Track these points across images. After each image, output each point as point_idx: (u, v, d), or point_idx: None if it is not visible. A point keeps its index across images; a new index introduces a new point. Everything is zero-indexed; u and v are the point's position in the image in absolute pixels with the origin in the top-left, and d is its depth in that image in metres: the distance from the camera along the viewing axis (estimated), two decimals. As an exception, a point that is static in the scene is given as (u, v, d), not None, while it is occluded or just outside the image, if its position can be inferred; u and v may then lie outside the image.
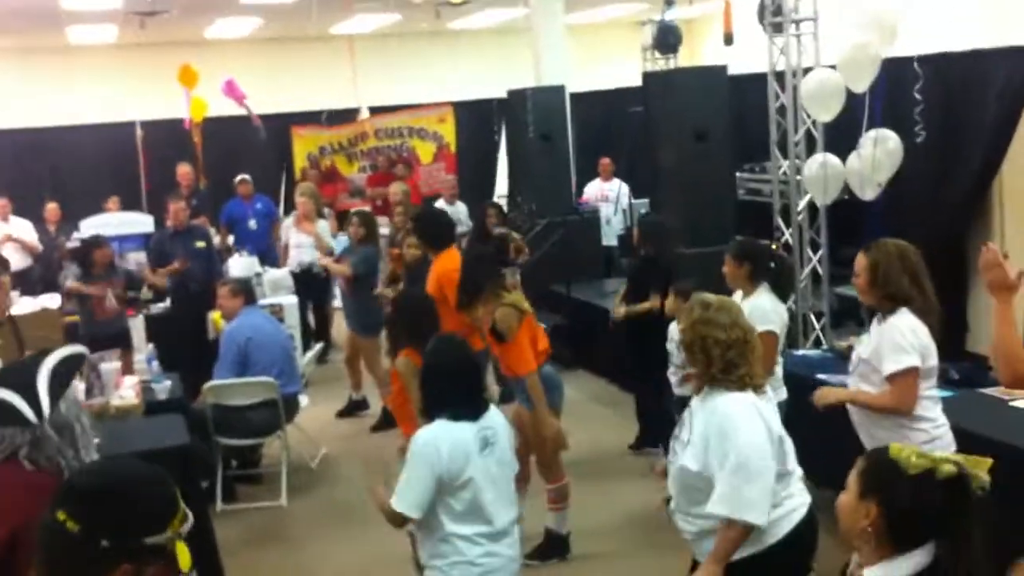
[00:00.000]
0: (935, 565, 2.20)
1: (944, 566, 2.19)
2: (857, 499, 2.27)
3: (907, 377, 4.11)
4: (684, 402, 6.20)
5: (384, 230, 10.48)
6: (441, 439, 3.67)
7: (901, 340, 4.12)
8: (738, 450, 3.37)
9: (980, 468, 2.21)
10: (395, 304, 5.38)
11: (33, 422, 2.83)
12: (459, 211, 10.83)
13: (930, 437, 4.15)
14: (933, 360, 4.19)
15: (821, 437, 4.53)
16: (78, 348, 3.30)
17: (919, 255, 4.26)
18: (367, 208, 10.98)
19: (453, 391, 3.80)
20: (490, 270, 5.73)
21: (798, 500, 3.58)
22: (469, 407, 3.78)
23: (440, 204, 10.78)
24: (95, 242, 8.57)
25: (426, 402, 3.84)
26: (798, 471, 3.62)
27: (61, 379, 2.99)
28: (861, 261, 4.30)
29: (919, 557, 2.21)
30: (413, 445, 3.71)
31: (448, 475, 3.64)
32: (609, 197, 11.62)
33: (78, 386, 5.53)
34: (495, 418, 3.87)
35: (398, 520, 3.72)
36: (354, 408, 8.66)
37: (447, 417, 3.73)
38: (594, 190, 11.83)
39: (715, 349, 3.49)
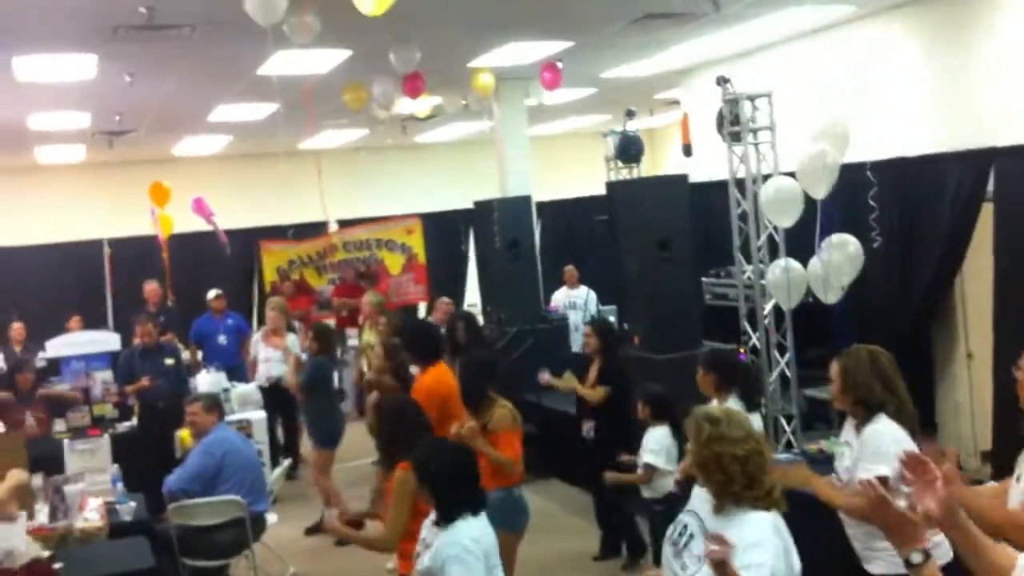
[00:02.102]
0: None
1: None
2: None
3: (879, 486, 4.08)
4: (653, 504, 6.23)
5: (353, 342, 10.49)
6: (479, 535, 3.83)
7: (878, 448, 4.12)
8: (763, 570, 3.23)
9: None
10: (383, 416, 5.26)
11: None
12: None
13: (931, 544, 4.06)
14: None
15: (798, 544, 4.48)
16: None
17: (892, 360, 4.30)
18: (332, 321, 11.01)
19: (468, 490, 3.95)
20: (489, 375, 5.94)
21: None
22: (480, 502, 3.95)
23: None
24: (18, 366, 8.59)
25: (445, 507, 3.92)
26: None
27: None
28: (834, 367, 4.36)
29: None
30: (458, 547, 3.78)
31: (489, 567, 3.81)
32: (577, 304, 11.72)
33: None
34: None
35: None
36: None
37: (471, 513, 3.87)
38: (561, 297, 11.94)
39: (733, 466, 3.33)
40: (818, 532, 4.41)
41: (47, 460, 7.65)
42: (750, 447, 3.36)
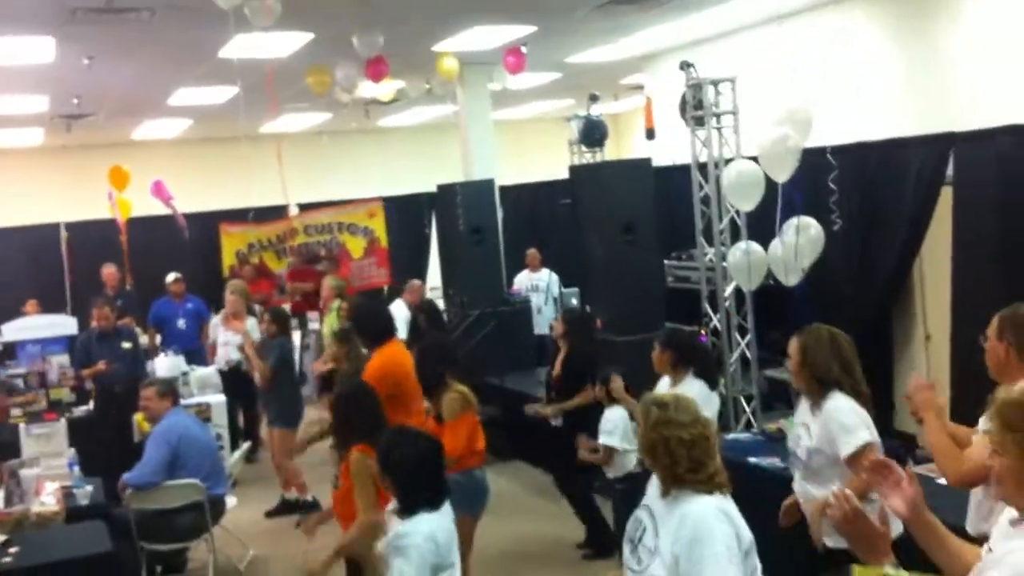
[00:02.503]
0: None
1: None
2: None
3: (868, 453, 4.12)
4: (615, 483, 6.22)
5: (314, 325, 10.43)
6: (436, 531, 3.73)
7: (847, 420, 4.16)
8: (711, 560, 3.22)
9: None
10: (340, 400, 5.22)
11: None
12: None
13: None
14: (877, 435, 4.24)
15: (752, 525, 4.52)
16: None
17: (851, 342, 4.35)
18: (286, 305, 10.95)
19: (430, 481, 3.86)
20: (447, 359, 5.89)
21: None
22: (443, 493, 3.88)
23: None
24: None
25: (406, 498, 3.84)
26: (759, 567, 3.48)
27: None
28: (793, 344, 4.39)
29: None
30: (409, 540, 3.71)
31: (442, 564, 3.72)
32: (539, 287, 11.71)
33: None
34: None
35: None
36: (285, 508, 8.49)
37: (428, 508, 3.78)
38: (523, 280, 11.92)
39: (679, 449, 3.34)
40: (769, 505, 4.45)
41: (4, 446, 7.56)
42: (697, 432, 3.37)
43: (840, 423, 4.15)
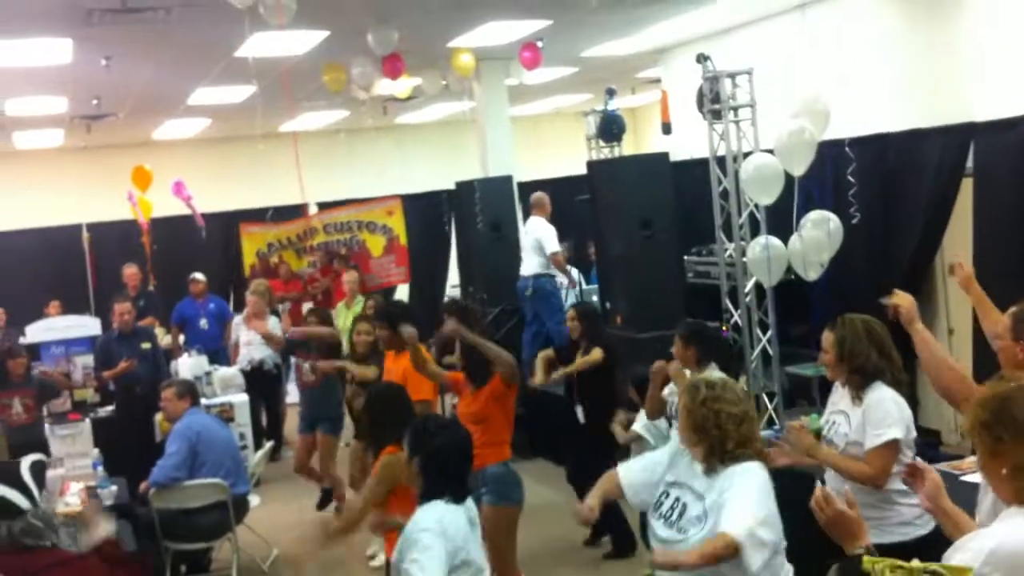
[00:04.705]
0: None
1: None
2: None
3: (888, 449, 4.11)
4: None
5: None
6: (445, 518, 3.66)
7: (886, 415, 4.14)
8: (768, 508, 3.44)
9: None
10: (372, 401, 5.21)
11: (26, 508, 3.39)
12: None
13: (917, 513, 4.09)
14: (914, 431, 4.23)
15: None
16: (39, 455, 3.81)
17: (885, 328, 4.32)
18: (310, 304, 10.95)
19: (459, 471, 3.81)
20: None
21: None
22: (466, 488, 3.82)
23: None
24: (10, 352, 8.49)
25: (428, 484, 3.77)
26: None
27: (37, 478, 3.53)
28: (828, 337, 4.34)
29: None
30: (416, 526, 3.65)
31: (453, 554, 3.64)
32: (563, 284, 11.63)
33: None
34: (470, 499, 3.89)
35: None
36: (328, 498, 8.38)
37: (449, 499, 3.72)
38: None
39: (729, 423, 3.50)
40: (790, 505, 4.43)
41: (35, 446, 7.63)
42: (744, 409, 3.56)
43: (879, 416, 4.13)
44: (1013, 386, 2.61)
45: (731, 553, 3.30)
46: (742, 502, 3.41)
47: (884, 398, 4.17)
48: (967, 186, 7.67)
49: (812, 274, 7.27)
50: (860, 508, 4.07)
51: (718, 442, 3.50)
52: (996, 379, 3.34)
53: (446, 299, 10.18)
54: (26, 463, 3.58)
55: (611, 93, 11.76)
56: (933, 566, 2.26)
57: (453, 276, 14.11)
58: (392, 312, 6.96)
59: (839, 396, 4.44)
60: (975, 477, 4.23)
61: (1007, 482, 2.53)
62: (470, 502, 3.85)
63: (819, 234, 7.10)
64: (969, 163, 7.62)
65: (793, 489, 4.49)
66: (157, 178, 12.52)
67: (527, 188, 12.59)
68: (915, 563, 2.29)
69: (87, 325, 10.45)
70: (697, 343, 5.57)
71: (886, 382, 4.21)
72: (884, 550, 2.69)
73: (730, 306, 8.12)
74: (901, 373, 4.27)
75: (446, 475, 3.77)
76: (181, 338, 10.78)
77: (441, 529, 3.60)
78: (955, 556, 2.49)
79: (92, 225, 13.38)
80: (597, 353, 7.07)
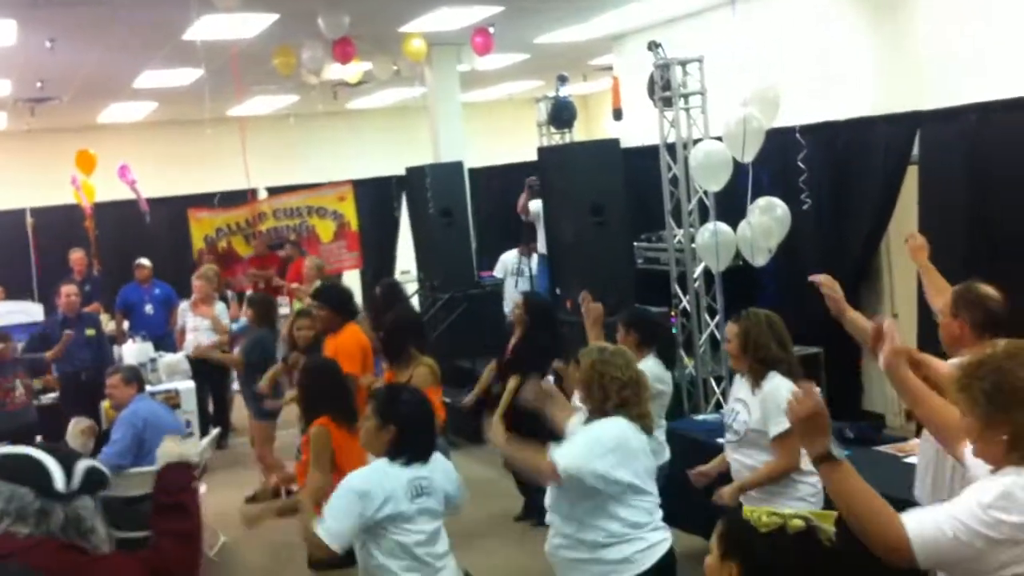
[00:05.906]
0: None
1: None
2: (719, 560, 2.41)
3: (792, 435, 4.20)
4: None
5: (284, 310, 10.35)
6: (372, 478, 3.81)
7: (782, 403, 4.21)
8: (591, 451, 3.87)
9: (827, 521, 2.35)
10: (306, 374, 5.30)
11: (59, 489, 2.56)
12: None
13: (812, 492, 4.37)
14: None
15: (705, 491, 4.82)
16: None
17: (783, 323, 4.56)
18: (250, 290, 10.83)
19: (429, 435, 4.04)
20: (413, 333, 6.17)
21: (662, 535, 3.94)
22: (409, 453, 3.90)
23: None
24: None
25: (397, 446, 3.90)
26: (658, 502, 4.03)
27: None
28: (732, 329, 4.60)
29: None
30: (346, 480, 3.84)
31: (369, 512, 3.73)
32: (524, 272, 11.42)
33: None
34: (437, 471, 3.97)
35: (322, 548, 3.76)
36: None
37: (417, 459, 3.88)
38: (511, 262, 10.75)
39: (612, 385, 3.96)
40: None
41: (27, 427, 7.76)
42: (630, 375, 4.01)
43: (777, 404, 4.26)
44: (999, 353, 2.63)
45: (550, 471, 3.84)
46: (574, 439, 3.98)
47: (780, 387, 4.36)
48: (913, 173, 7.77)
49: (760, 260, 7.34)
50: (779, 485, 4.30)
51: (599, 401, 3.97)
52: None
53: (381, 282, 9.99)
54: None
55: (562, 80, 11.77)
56: (804, 512, 2.37)
57: (404, 262, 14.06)
58: (331, 294, 7.10)
59: (739, 386, 4.68)
60: (916, 459, 4.34)
61: (1004, 449, 2.56)
62: (425, 472, 3.92)
63: (767, 220, 7.16)
64: (915, 151, 7.71)
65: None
66: (103, 162, 12.31)
67: (478, 174, 12.57)
68: (787, 510, 2.41)
69: (30, 311, 10.27)
70: (638, 329, 5.70)
71: (782, 372, 4.43)
72: None
73: (679, 291, 8.17)
74: (796, 366, 4.52)
75: (415, 439, 3.93)
76: (126, 324, 10.62)
77: (360, 484, 3.78)
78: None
79: (36, 210, 13.15)
80: (513, 383, 6.94)
